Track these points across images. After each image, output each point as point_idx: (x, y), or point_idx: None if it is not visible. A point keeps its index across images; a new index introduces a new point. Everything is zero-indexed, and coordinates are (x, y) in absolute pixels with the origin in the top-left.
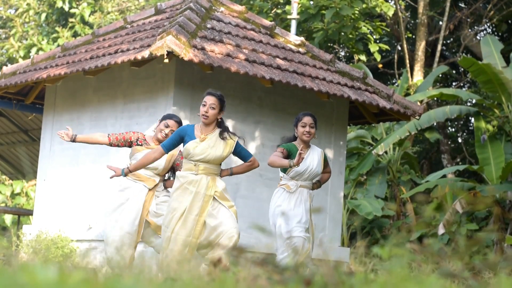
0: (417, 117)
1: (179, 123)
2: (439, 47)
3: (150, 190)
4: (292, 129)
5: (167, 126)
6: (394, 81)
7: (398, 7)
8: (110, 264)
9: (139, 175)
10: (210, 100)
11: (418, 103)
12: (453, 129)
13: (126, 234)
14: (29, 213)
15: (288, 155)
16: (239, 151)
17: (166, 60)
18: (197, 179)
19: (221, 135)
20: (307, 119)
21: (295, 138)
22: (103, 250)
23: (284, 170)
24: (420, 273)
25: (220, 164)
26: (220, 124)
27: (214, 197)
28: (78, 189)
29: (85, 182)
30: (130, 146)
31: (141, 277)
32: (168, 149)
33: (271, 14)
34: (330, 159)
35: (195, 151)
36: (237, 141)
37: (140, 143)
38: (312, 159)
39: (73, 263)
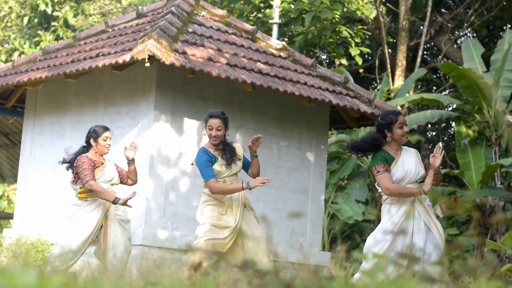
0: None
1: (105, 128)
2: (420, 52)
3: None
4: (274, 132)
5: (105, 140)
6: (375, 86)
7: (379, 12)
8: (62, 264)
9: None
10: (215, 123)
11: (399, 108)
12: (434, 133)
13: (83, 242)
14: (9, 216)
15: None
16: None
17: (147, 64)
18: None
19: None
20: (403, 118)
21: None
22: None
23: None
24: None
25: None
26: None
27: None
28: (58, 193)
29: (65, 186)
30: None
31: (120, 281)
32: (213, 175)
33: (252, 18)
34: (311, 163)
35: (223, 170)
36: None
37: (97, 165)
38: (408, 161)
39: (53, 267)
